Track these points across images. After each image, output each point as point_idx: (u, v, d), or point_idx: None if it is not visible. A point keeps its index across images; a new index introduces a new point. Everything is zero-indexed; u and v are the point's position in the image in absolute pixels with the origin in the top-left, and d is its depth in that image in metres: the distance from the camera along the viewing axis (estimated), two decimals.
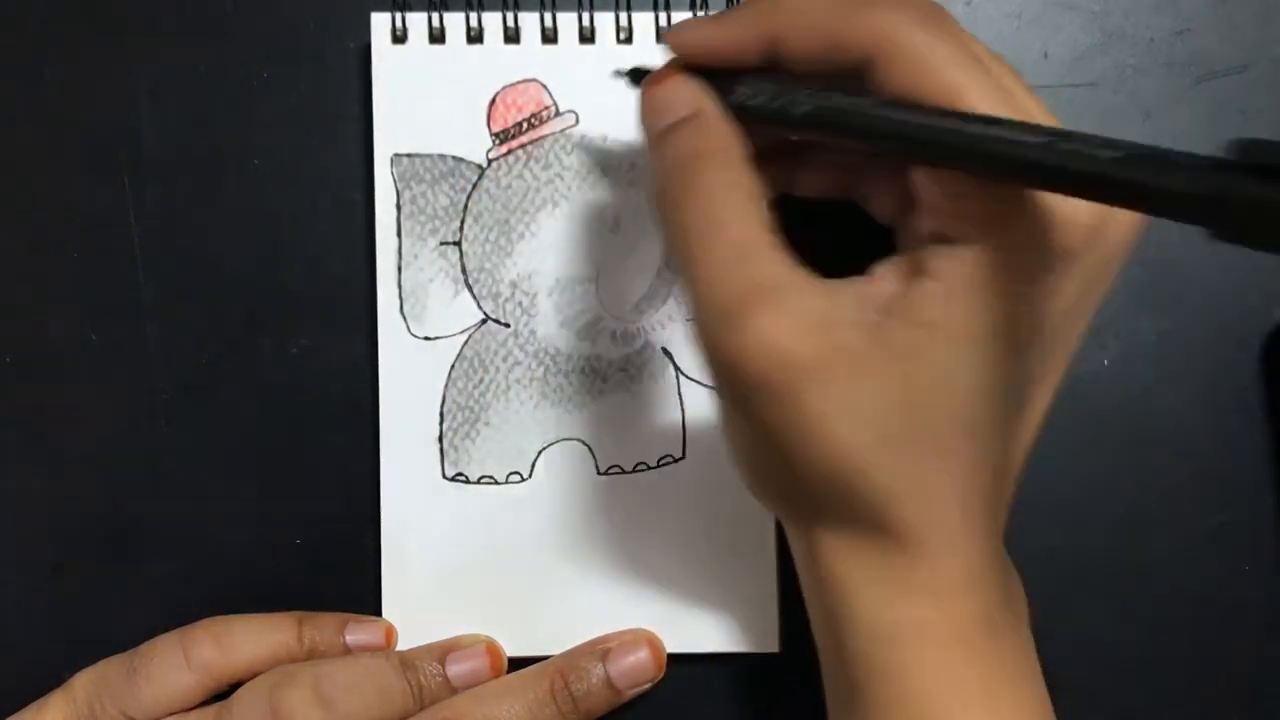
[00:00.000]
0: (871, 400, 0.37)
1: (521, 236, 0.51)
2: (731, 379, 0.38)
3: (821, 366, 0.36)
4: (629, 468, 0.51)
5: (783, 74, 0.40)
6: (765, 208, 0.39)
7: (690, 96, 0.42)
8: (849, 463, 0.37)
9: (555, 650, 0.51)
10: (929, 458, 0.37)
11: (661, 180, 0.41)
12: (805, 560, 0.41)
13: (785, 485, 0.40)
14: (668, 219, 0.40)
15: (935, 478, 0.37)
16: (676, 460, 0.51)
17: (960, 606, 0.38)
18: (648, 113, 0.43)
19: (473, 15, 0.51)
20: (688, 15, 0.51)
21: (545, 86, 0.51)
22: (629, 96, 0.50)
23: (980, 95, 0.36)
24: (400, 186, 0.51)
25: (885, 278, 0.38)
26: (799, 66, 0.39)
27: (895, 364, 0.37)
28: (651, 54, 0.51)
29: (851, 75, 0.38)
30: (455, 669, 0.49)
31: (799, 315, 0.37)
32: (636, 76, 0.45)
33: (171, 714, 0.48)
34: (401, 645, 0.51)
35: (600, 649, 0.50)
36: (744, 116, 0.41)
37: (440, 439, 0.51)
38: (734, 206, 0.39)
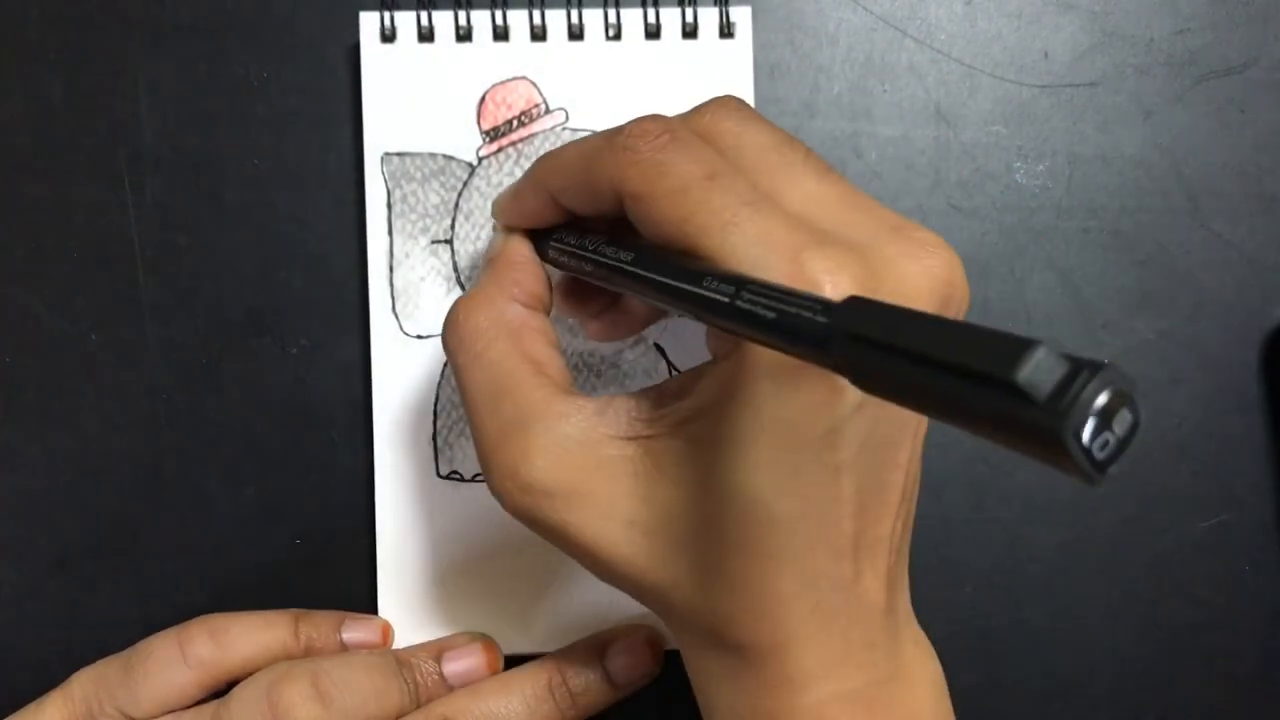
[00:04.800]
0: (645, 509, 0.39)
1: None
2: (509, 512, 0.41)
3: (577, 488, 0.39)
4: None
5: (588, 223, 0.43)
6: (539, 341, 0.42)
7: (498, 244, 0.46)
8: (635, 574, 0.39)
9: (552, 647, 0.51)
10: (728, 564, 0.37)
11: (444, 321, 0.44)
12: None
13: (611, 583, 0.42)
14: (448, 359, 0.44)
15: (741, 576, 0.37)
16: None
17: (821, 692, 0.38)
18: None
19: (461, 13, 0.51)
20: (675, 11, 0.51)
21: (535, 84, 0.51)
22: (619, 94, 0.51)
23: (708, 217, 0.36)
24: (391, 185, 0.51)
25: (664, 391, 0.40)
26: (586, 215, 0.43)
27: (667, 476, 0.38)
28: (641, 51, 0.51)
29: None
30: (451, 667, 0.49)
31: (549, 444, 0.39)
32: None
33: (169, 712, 0.48)
34: (398, 643, 0.51)
35: (597, 645, 0.50)
36: (563, 266, 0.44)
37: (434, 437, 0.51)
38: (492, 346, 0.42)
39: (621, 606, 0.51)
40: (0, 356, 0.52)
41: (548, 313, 0.44)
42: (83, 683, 0.48)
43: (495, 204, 0.47)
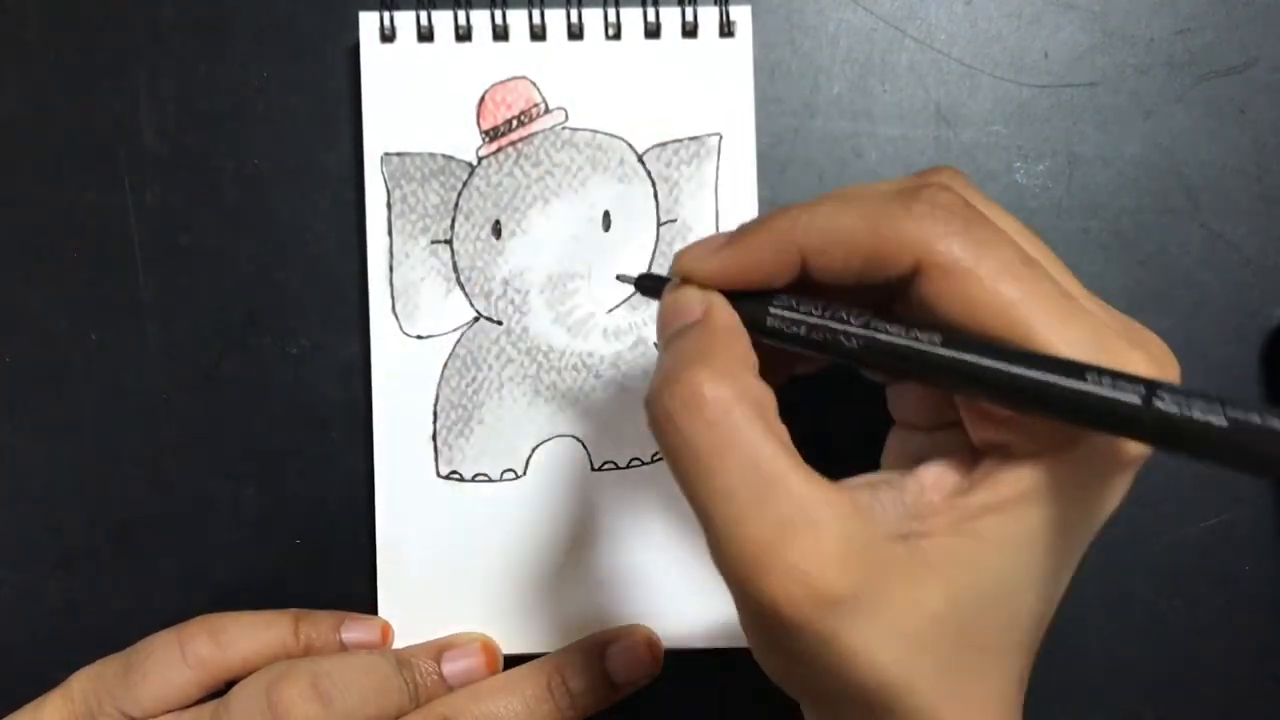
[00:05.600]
0: (914, 616, 0.34)
1: (513, 234, 0.51)
2: (766, 622, 0.35)
3: (862, 595, 0.34)
4: (623, 463, 0.51)
5: (808, 291, 0.38)
6: (776, 418, 0.36)
7: (701, 302, 0.39)
8: (890, 684, 0.35)
9: (551, 647, 0.51)
10: (975, 668, 0.36)
11: (660, 390, 0.36)
12: None
13: (815, 690, 0.37)
14: (668, 438, 0.36)
15: (977, 686, 0.36)
16: None
17: None
18: (661, 319, 0.40)
19: (461, 13, 0.51)
20: (675, 11, 0.51)
21: (534, 84, 0.51)
22: (619, 93, 0.51)
23: (1035, 306, 0.34)
24: (390, 185, 0.51)
25: (925, 482, 0.36)
26: (828, 281, 0.37)
27: (937, 575, 0.35)
28: (641, 50, 0.51)
29: (888, 288, 0.36)
30: (451, 667, 0.49)
31: (834, 545, 0.34)
32: (644, 285, 0.43)
33: (169, 711, 0.48)
34: (397, 643, 0.51)
35: (597, 645, 0.50)
36: (778, 339, 0.38)
37: (434, 437, 0.51)
38: (745, 426, 0.35)
39: (621, 607, 0.51)
40: (0, 356, 0.52)
41: None
42: (82, 682, 0.48)
43: (690, 254, 0.39)
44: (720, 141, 0.51)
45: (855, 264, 0.36)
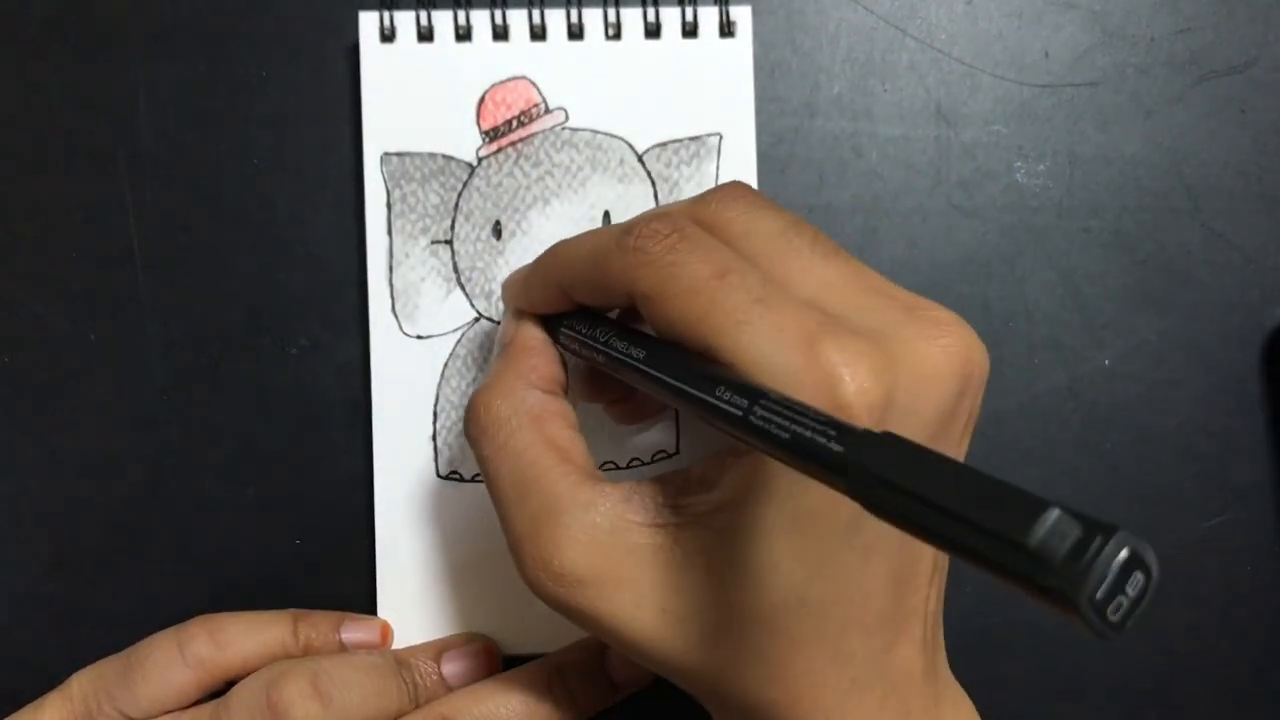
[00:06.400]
0: (677, 597, 0.38)
1: (513, 234, 0.51)
2: (544, 602, 0.40)
3: (608, 576, 0.39)
4: (624, 464, 0.51)
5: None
6: (561, 425, 0.42)
7: (511, 329, 0.45)
8: (678, 661, 0.39)
9: (552, 647, 0.51)
10: (767, 649, 0.38)
11: (464, 410, 0.44)
12: None
13: (652, 669, 0.42)
14: (471, 448, 0.43)
15: (777, 661, 0.38)
16: (671, 455, 0.51)
17: None
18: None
19: (461, 13, 0.51)
20: (675, 10, 0.51)
21: (534, 84, 0.51)
22: (619, 93, 0.51)
23: (716, 319, 0.36)
24: (390, 185, 0.51)
25: (690, 477, 0.40)
26: (599, 308, 0.43)
27: (696, 563, 0.38)
28: (641, 50, 0.51)
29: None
30: (450, 667, 0.49)
31: (578, 533, 0.39)
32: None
33: (168, 712, 0.48)
34: (397, 644, 0.51)
35: (597, 645, 0.50)
36: (576, 354, 0.44)
37: (434, 437, 0.51)
38: (515, 435, 0.41)
39: None
40: (0, 356, 0.52)
41: (565, 395, 0.44)
42: (82, 683, 0.48)
43: (505, 288, 0.47)
44: (720, 141, 0.51)
45: (595, 296, 0.42)
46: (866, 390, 0.35)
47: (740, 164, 0.51)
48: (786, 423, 0.31)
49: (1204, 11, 0.53)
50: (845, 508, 0.35)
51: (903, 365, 0.36)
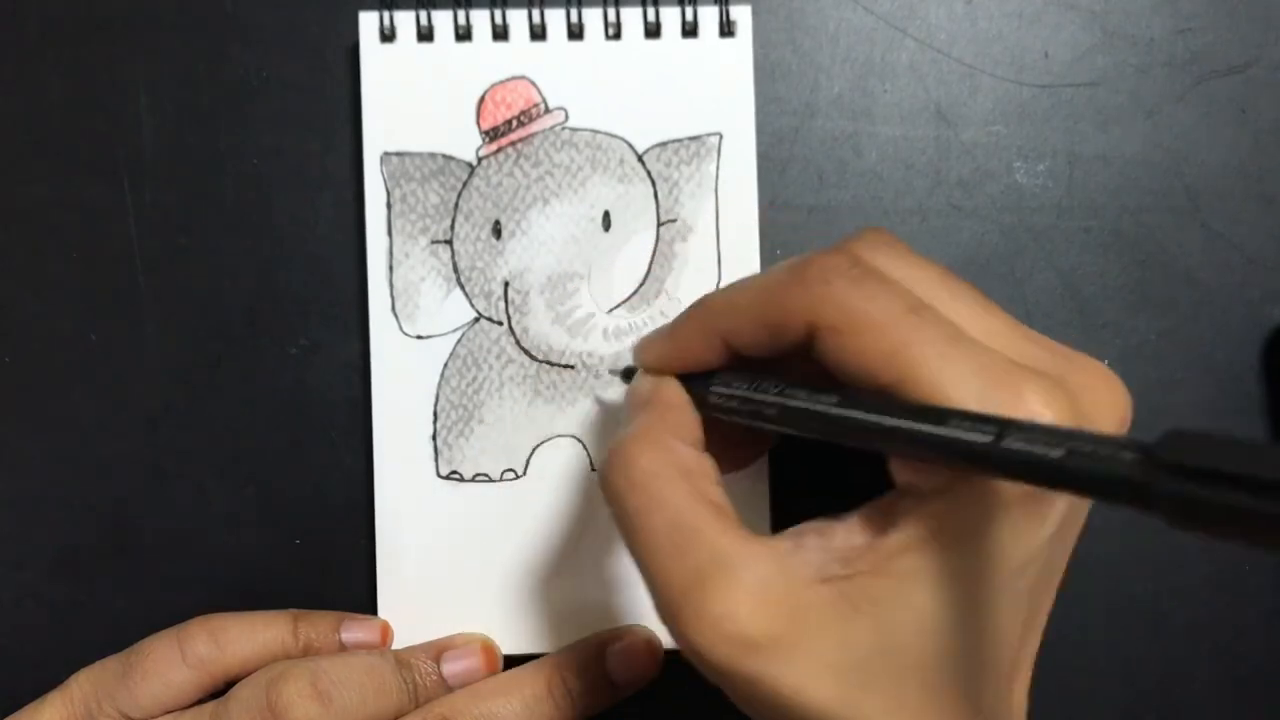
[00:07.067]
0: (845, 654, 0.36)
1: (513, 234, 0.51)
2: (701, 666, 0.38)
3: (783, 637, 0.36)
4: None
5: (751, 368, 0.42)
6: (710, 482, 0.40)
7: (651, 386, 0.44)
8: (824, 713, 0.37)
9: (551, 647, 0.51)
10: (926, 706, 0.37)
11: (603, 463, 0.41)
12: None
13: None
14: (611, 504, 0.41)
15: (921, 706, 0.37)
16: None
17: None
18: (625, 404, 0.45)
19: (461, 13, 0.51)
20: (675, 10, 0.51)
21: (534, 84, 0.51)
22: (619, 93, 0.51)
23: (916, 352, 0.36)
24: (390, 185, 0.51)
25: (852, 527, 0.38)
26: (755, 355, 0.41)
27: (865, 615, 0.37)
28: (641, 50, 0.51)
29: (807, 352, 0.39)
30: (450, 667, 0.49)
31: (751, 590, 0.37)
32: (626, 376, 0.49)
33: (168, 712, 0.48)
34: (397, 644, 0.51)
35: (597, 645, 0.50)
36: (729, 413, 0.42)
37: (434, 437, 0.51)
38: (668, 488, 0.39)
39: (621, 607, 0.51)
40: (0, 356, 0.52)
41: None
42: (82, 683, 0.48)
43: (640, 349, 0.46)
44: (720, 141, 0.51)
45: (763, 337, 0.40)
46: None
47: (740, 164, 0.51)
48: (1058, 442, 0.30)
49: (1204, 11, 0.53)
50: (1020, 552, 0.36)
51: (1083, 414, 0.36)
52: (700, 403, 0.43)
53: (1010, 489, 0.35)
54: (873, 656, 0.36)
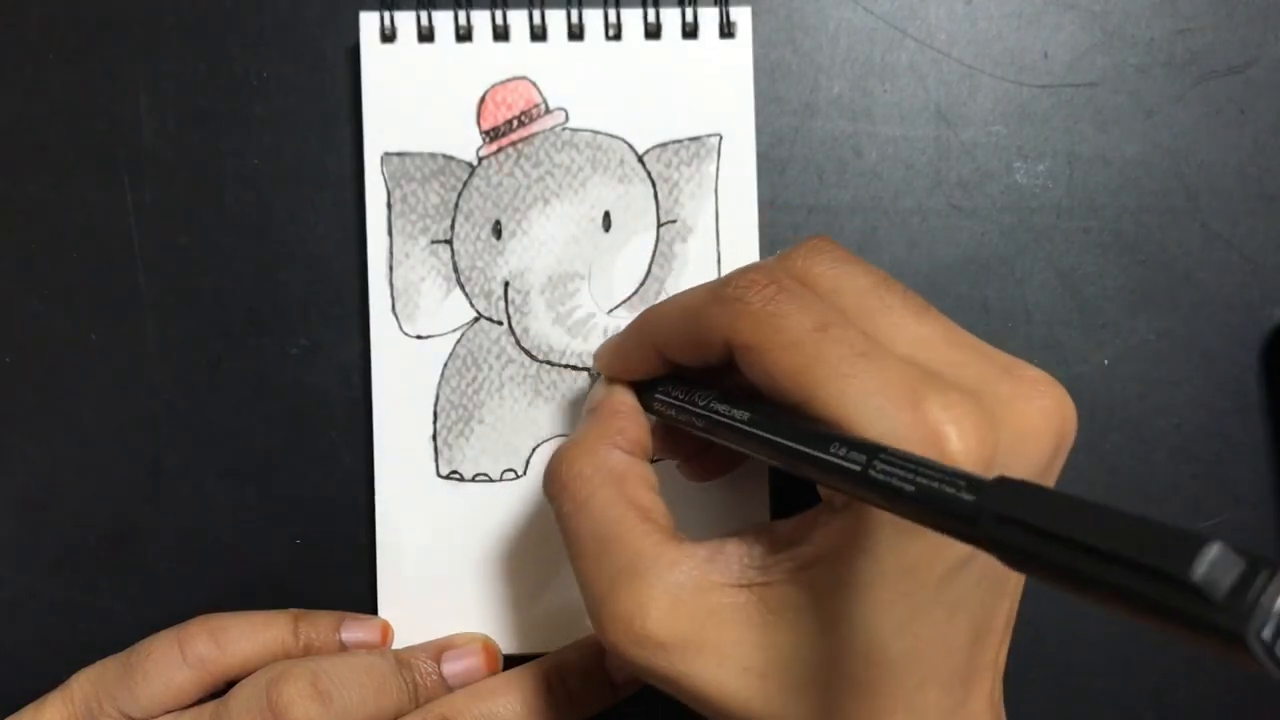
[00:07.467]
0: (764, 657, 0.38)
1: (513, 234, 0.51)
2: (624, 663, 0.40)
3: (692, 639, 0.38)
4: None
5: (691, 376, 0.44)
6: (642, 487, 0.42)
7: (602, 393, 0.46)
8: (752, 713, 0.38)
9: (552, 647, 0.51)
10: (842, 703, 0.38)
11: (545, 467, 0.44)
12: None
13: None
14: (551, 504, 0.44)
15: (854, 715, 0.38)
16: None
17: None
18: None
19: (461, 13, 0.51)
20: (675, 11, 0.51)
21: (535, 84, 0.51)
22: (619, 94, 0.51)
23: (819, 371, 0.36)
24: (390, 185, 0.51)
25: (777, 536, 0.39)
26: (693, 367, 0.43)
27: (784, 620, 0.38)
28: (641, 51, 0.51)
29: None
30: (450, 667, 0.49)
31: (661, 593, 0.38)
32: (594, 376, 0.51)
33: (169, 712, 0.48)
34: (397, 643, 0.51)
35: (597, 645, 0.50)
36: (669, 419, 0.44)
37: (434, 437, 0.51)
38: (596, 493, 0.41)
39: None
40: (0, 356, 0.52)
41: (649, 460, 0.44)
42: (82, 683, 0.48)
43: (597, 356, 0.48)
44: (720, 142, 0.51)
45: (689, 352, 0.42)
46: (972, 449, 0.35)
47: (740, 164, 0.51)
48: (911, 475, 0.31)
49: (1204, 12, 0.53)
50: (939, 564, 0.36)
51: (1003, 424, 0.36)
52: (648, 408, 0.45)
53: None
54: (795, 660, 0.38)
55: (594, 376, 0.51)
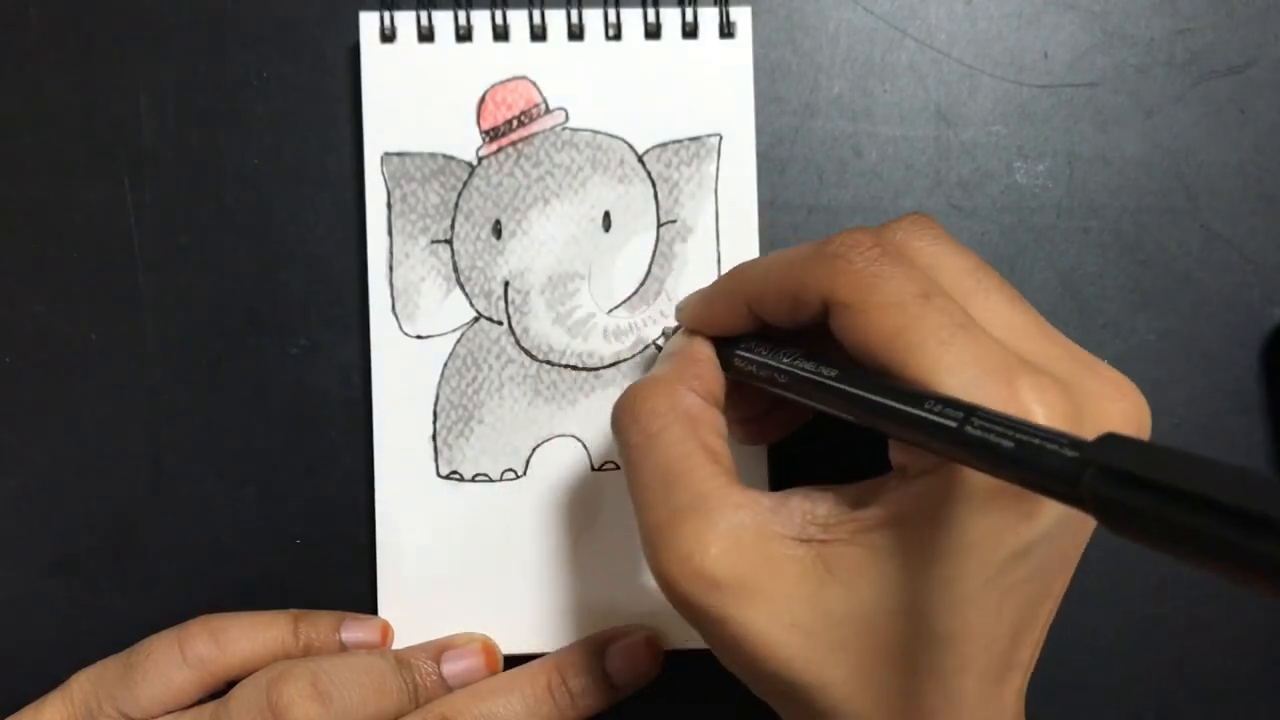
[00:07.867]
0: (812, 613, 0.38)
1: (513, 234, 0.51)
2: (670, 599, 0.40)
3: (748, 582, 0.38)
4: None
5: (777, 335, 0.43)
6: (712, 432, 0.42)
7: (682, 342, 0.46)
8: (798, 677, 0.38)
9: (552, 647, 0.51)
10: (908, 689, 0.38)
11: (617, 400, 0.44)
12: None
13: (749, 677, 0.41)
14: (616, 436, 0.44)
15: (891, 687, 0.38)
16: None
17: None
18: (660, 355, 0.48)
19: (461, 13, 0.51)
20: (675, 11, 0.51)
21: (535, 84, 0.51)
22: (619, 94, 0.51)
23: (916, 336, 0.37)
24: (391, 185, 0.51)
25: (841, 497, 0.40)
26: (780, 325, 0.42)
27: (838, 581, 0.38)
28: (641, 51, 0.51)
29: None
30: (451, 667, 0.49)
31: (723, 533, 0.38)
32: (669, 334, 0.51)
33: (169, 712, 0.48)
34: (397, 643, 0.51)
35: (597, 645, 0.50)
36: (748, 377, 0.44)
37: (434, 437, 0.51)
38: (668, 430, 0.41)
39: (622, 606, 0.51)
40: (0, 356, 0.52)
41: (722, 411, 0.44)
42: (82, 683, 0.48)
43: (681, 308, 0.48)
44: (720, 142, 0.51)
45: (785, 307, 0.41)
46: None
47: (740, 164, 0.51)
48: (1010, 434, 0.31)
49: (1204, 11, 0.53)
50: (1002, 549, 0.36)
51: (1087, 418, 0.36)
52: (726, 365, 0.45)
53: (989, 482, 0.35)
54: (843, 623, 0.38)
55: (667, 334, 0.51)
